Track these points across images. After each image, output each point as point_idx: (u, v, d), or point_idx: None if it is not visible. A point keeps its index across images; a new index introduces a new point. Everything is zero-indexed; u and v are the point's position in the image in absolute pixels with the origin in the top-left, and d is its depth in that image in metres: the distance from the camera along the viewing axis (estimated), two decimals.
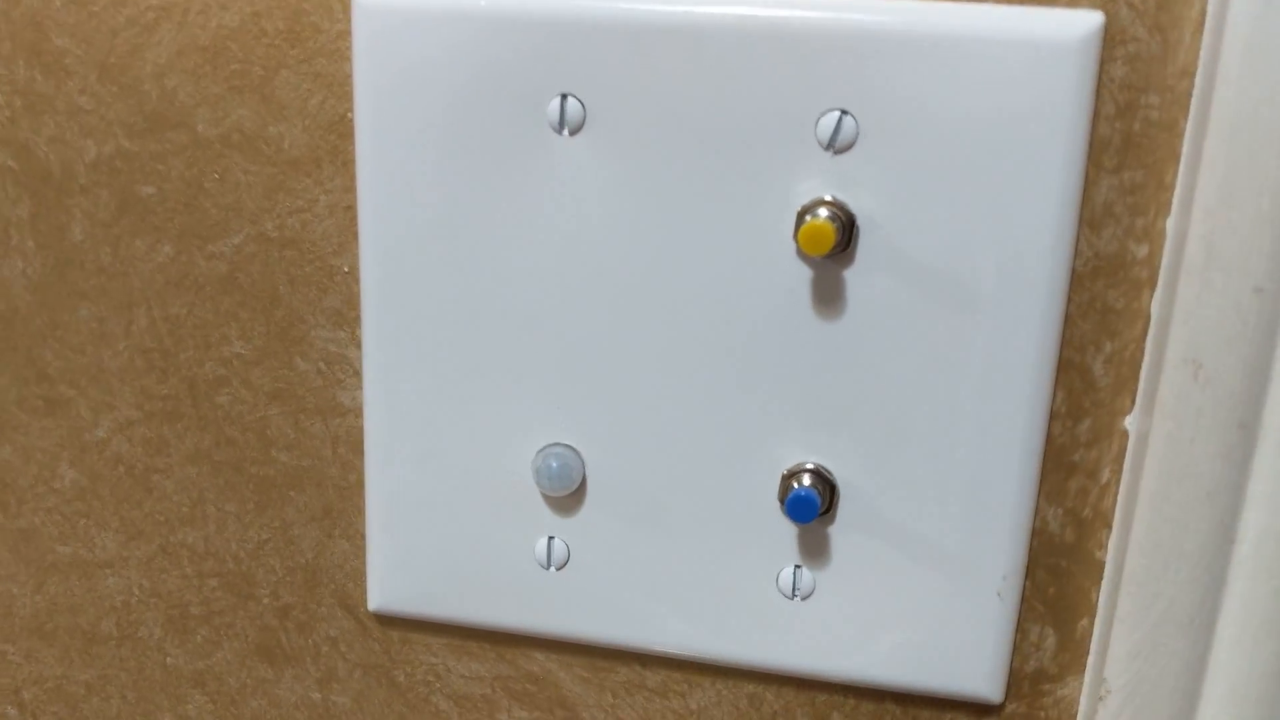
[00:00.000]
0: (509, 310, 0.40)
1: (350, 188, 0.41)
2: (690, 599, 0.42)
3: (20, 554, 0.49)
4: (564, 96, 0.37)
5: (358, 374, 0.43)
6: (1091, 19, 0.34)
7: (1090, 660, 0.41)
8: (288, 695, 0.48)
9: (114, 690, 0.50)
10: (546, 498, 0.42)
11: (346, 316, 0.42)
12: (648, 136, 0.37)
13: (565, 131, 0.38)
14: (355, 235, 0.41)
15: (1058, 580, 0.40)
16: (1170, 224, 0.36)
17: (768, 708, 0.44)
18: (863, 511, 0.40)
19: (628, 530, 0.42)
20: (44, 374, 0.46)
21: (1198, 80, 0.34)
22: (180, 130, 0.41)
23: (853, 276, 0.38)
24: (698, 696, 0.45)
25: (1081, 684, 0.41)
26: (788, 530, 0.41)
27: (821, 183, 0.37)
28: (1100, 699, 0.39)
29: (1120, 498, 0.39)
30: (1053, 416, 0.38)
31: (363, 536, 0.45)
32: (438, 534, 0.43)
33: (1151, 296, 0.37)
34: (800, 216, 0.37)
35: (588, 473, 0.42)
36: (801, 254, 0.38)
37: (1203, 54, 0.34)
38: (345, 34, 0.39)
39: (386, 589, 0.45)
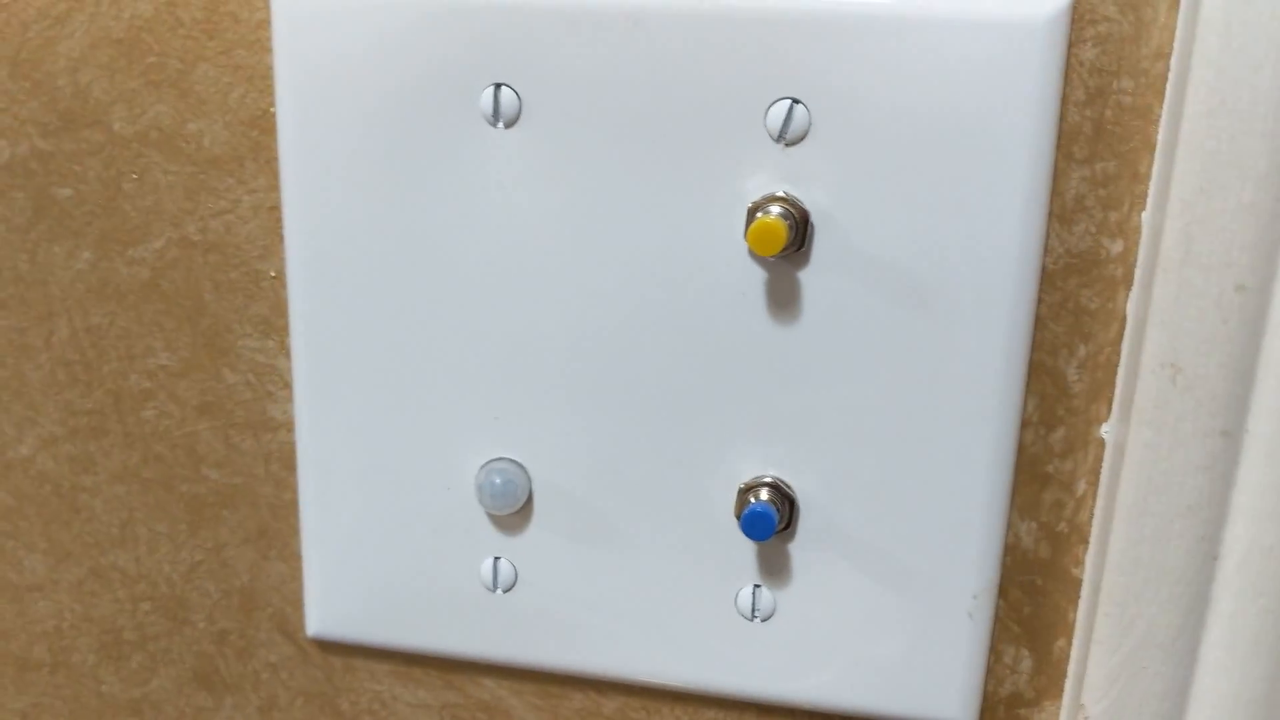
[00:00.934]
0: (446, 317, 0.38)
1: (275, 187, 0.38)
2: (645, 621, 0.40)
3: None
4: (498, 86, 0.35)
5: (288, 385, 0.41)
6: None
7: (1068, 684, 0.38)
8: None
9: (49, 719, 0.48)
10: (491, 516, 0.40)
11: (275, 324, 0.40)
12: (588, 129, 0.35)
13: (500, 124, 0.35)
14: (281, 238, 0.39)
15: (1032, 599, 0.38)
16: (1146, 218, 0.34)
17: None
18: (824, 527, 0.38)
19: (578, 550, 0.40)
20: None
21: (1173, 62, 0.32)
22: (96, 128, 0.39)
23: (808, 278, 0.35)
24: None
25: (1059, 709, 0.39)
26: (746, 548, 0.39)
27: (773, 177, 0.35)
28: None
29: (1097, 511, 0.36)
30: (1024, 425, 0.36)
31: (299, 558, 0.43)
32: (377, 555, 0.41)
33: (1127, 296, 0.34)
34: (751, 214, 0.34)
35: (534, 489, 0.39)
36: (753, 254, 0.35)
37: (1178, 33, 0.32)
38: (265, 23, 0.37)
39: (326, 614, 0.42)
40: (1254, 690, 0.34)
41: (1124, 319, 0.35)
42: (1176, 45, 0.32)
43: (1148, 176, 0.33)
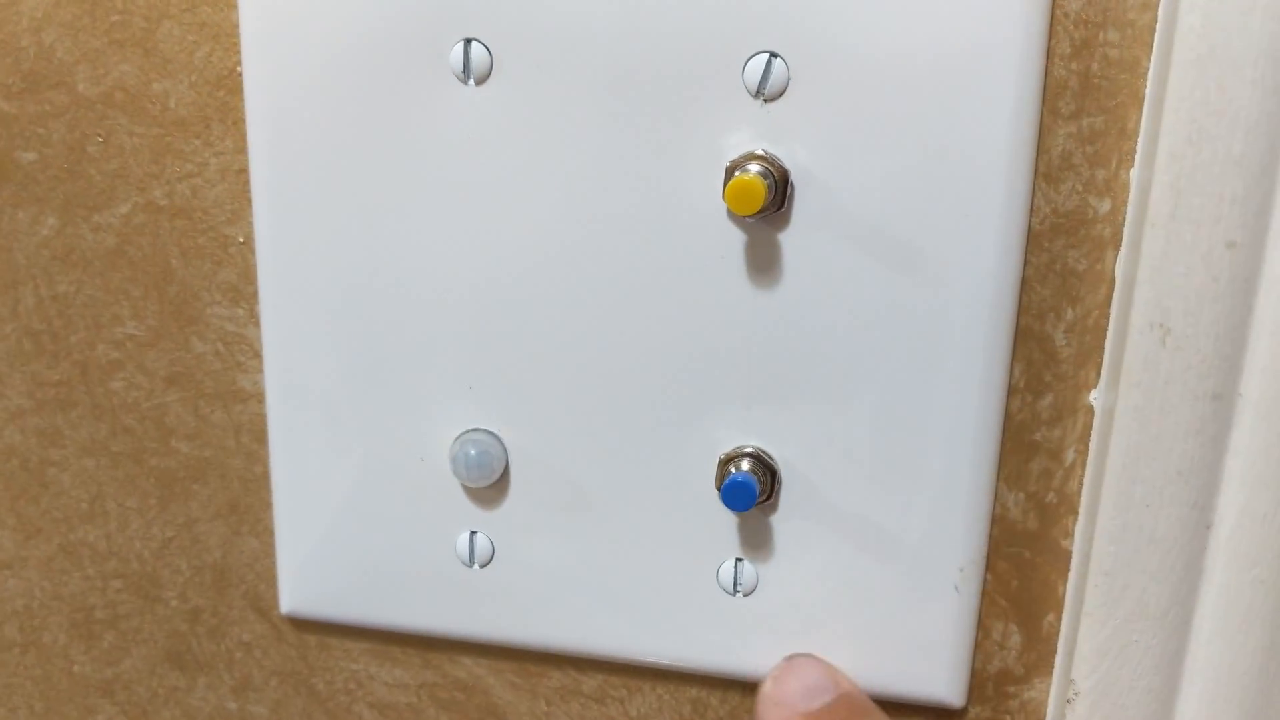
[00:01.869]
0: (419, 283, 0.37)
1: (242, 149, 0.37)
2: (626, 597, 0.39)
3: None
4: (468, 42, 0.34)
5: (258, 355, 0.40)
6: None
7: (1058, 659, 0.37)
8: (201, 705, 0.45)
9: (20, 700, 0.47)
10: (466, 489, 0.39)
11: (244, 292, 0.39)
12: (561, 86, 0.34)
13: (470, 80, 0.34)
14: (249, 202, 0.38)
15: (1020, 572, 0.37)
16: (1134, 175, 0.33)
17: (713, 713, 0.41)
18: (807, 498, 0.37)
19: (556, 523, 0.39)
20: None
21: (1161, 10, 0.31)
22: (60, 90, 0.38)
23: (788, 239, 0.34)
24: (638, 702, 0.41)
25: (1049, 686, 0.37)
26: (728, 520, 0.38)
27: (751, 135, 0.34)
28: (1068, 701, 0.36)
29: (1086, 479, 0.35)
30: (1011, 391, 0.35)
31: (272, 533, 0.42)
32: (351, 531, 0.40)
33: (1116, 257, 0.33)
34: (729, 173, 0.33)
35: (510, 461, 0.38)
36: (732, 215, 0.34)
37: None
38: None
39: (299, 591, 0.41)
40: (1248, 662, 0.33)
41: (1112, 281, 0.34)
42: None
43: (1136, 133, 0.32)
